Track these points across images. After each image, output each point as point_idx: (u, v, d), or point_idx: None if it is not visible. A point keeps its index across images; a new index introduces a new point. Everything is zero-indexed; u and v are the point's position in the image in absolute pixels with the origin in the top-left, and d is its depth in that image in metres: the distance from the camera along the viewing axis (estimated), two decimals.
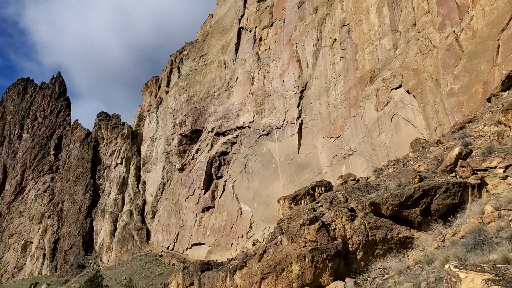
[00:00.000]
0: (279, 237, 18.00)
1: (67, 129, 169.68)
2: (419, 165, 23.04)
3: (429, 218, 15.49)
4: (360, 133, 60.22)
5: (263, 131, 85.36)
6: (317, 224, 15.81)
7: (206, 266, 38.00)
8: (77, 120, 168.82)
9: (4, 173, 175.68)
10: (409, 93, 50.68)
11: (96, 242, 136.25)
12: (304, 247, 15.61)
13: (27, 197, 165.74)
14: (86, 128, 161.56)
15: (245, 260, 32.24)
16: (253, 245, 48.65)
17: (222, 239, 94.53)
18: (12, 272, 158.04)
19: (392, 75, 54.06)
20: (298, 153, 75.20)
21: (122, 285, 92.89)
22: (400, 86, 52.59)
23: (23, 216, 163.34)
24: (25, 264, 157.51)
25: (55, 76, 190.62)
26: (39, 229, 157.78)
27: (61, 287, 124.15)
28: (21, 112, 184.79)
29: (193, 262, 38.00)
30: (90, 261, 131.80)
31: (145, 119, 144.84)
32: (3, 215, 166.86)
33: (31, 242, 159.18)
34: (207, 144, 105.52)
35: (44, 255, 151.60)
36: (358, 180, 28.58)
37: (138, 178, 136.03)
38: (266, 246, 18.04)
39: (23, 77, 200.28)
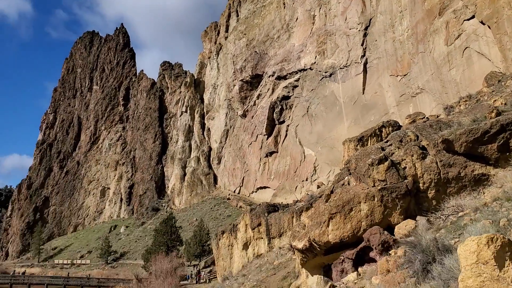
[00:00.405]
0: (347, 177, 17.80)
1: (133, 80, 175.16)
2: (495, 100, 21.61)
3: (507, 154, 14.60)
4: (429, 70, 57.19)
5: (325, 72, 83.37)
6: (386, 163, 15.39)
7: (273, 208, 38.90)
8: (142, 70, 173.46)
9: (79, 124, 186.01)
10: (483, 24, 46.85)
11: (168, 187, 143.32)
12: (372, 186, 15.33)
13: (101, 146, 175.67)
14: (151, 78, 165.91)
15: (311, 201, 32.54)
16: (317, 188, 48.93)
17: (286, 182, 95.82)
18: (94, 216, 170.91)
19: (464, 5, 50.05)
20: (363, 93, 73.08)
21: (194, 226, 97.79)
22: (473, 17, 48.68)
23: (99, 164, 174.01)
24: (104, 208, 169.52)
25: (118, 28, 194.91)
26: (114, 176, 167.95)
27: (139, 229, 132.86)
28: (90, 65, 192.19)
29: (259, 204, 38.99)
30: (163, 204, 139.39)
31: (206, 67, 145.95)
32: (82, 164, 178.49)
33: (109, 188, 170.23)
34: (268, 89, 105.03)
35: (121, 199, 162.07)
36: (427, 119, 27.36)
37: (202, 125, 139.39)
38: (333, 187, 17.92)
39: (88, 31, 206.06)
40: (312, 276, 17.97)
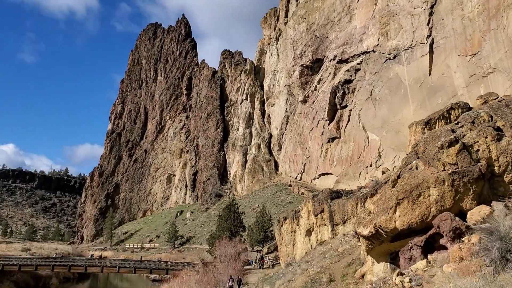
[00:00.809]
0: (414, 161, 17.01)
1: (195, 69, 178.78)
2: None
3: None
4: (502, 48, 53.60)
5: (389, 54, 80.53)
6: (457, 146, 14.51)
7: (336, 194, 38.26)
8: (204, 60, 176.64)
9: (146, 114, 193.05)
10: None
11: (230, 174, 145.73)
12: (442, 170, 14.52)
13: (166, 135, 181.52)
14: (212, 67, 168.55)
15: (376, 187, 31.61)
16: (382, 174, 47.55)
17: (349, 168, 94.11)
18: (161, 202, 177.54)
19: None
20: (429, 75, 69.91)
21: (256, 212, 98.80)
22: None
23: (165, 152, 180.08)
24: (170, 194, 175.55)
25: (180, 19, 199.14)
26: (179, 163, 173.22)
27: (203, 214, 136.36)
28: (154, 56, 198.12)
29: (322, 191, 38.48)
30: (225, 190, 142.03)
31: (265, 53, 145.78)
32: (149, 152, 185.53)
33: (174, 175, 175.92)
34: (329, 73, 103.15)
35: (186, 186, 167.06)
36: (502, 99, 25.60)
37: (263, 112, 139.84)
38: (400, 172, 17.21)
39: (151, 23, 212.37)
40: (378, 263, 17.46)
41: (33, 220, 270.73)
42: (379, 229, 15.39)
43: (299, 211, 37.99)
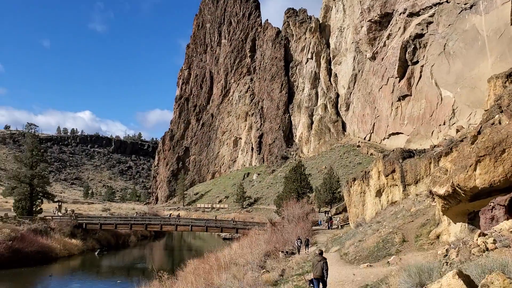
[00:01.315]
0: (497, 116, 15.71)
1: (258, 30, 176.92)
2: None
3: None
4: None
5: (465, 4, 74.78)
6: None
7: (408, 154, 36.86)
8: (267, 20, 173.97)
9: (211, 78, 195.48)
10: None
11: (295, 136, 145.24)
12: None
13: (232, 98, 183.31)
14: (275, 27, 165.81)
15: (451, 146, 30.01)
16: (457, 132, 45.07)
17: (421, 127, 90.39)
18: (228, 164, 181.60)
19: None
20: (511, 24, 64.32)
21: (323, 174, 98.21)
22: None
23: (231, 115, 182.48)
24: (237, 157, 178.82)
25: None
26: (245, 126, 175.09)
27: (269, 176, 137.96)
28: (217, 19, 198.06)
29: (393, 150, 37.22)
30: (291, 152, 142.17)
31: (331, 10, 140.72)
32: (215, 116, 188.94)
33: (240, 138, 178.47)
34: (399, 28, 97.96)
35: (252, 148, 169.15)
36: None
37: (329, 71, 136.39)
38: (481, 127, 15.98)
39: None
40: (455, 223, 16.59)
41: (111, 182, 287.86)
42: (456, 188, 14.50)
43: (369, 171, 37.10)
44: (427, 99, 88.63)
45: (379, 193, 36.33)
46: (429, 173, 33.37)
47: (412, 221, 19.76)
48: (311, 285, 14.16)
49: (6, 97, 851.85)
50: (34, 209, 60.57)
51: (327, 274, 12.91)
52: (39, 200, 62.53)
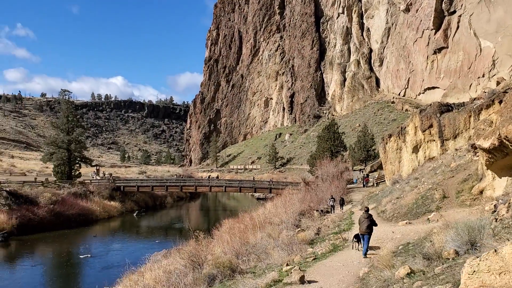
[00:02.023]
0: None
1: None
2: None
3: None
4: None
5: None
6: None
7: (445, 108, 35.38)
8: None
9: (240, 38, 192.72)
10: None
11: (328, 94, 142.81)
12: None
13: (261, 58, 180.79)
14: None
15: (493, 98, 28.50)
16: (497, 84, 42.87)
17: (458, 80, 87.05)
18: (260, 125, 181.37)
19: None
20: None
21: (356, 132, 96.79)
22: None
23: (261, 75, 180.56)
24: (268, 117, 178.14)
25: None
26: (275, 86, 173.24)
27: (302, 136, 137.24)
28: None
29: (430, 104, 35.81)
30: (324, 111, 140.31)
31: None
32: (245, 76, 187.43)
33: (271, 98, 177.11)
34: None
35: (283, 108, 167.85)
36: None
37: (361, 26, 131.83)
38: None
39: None
40: (500, 178, 15.77)
41: (146, 146, 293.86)
42: (504, 141, 13.63)
43: (405, 127, 36.00)
44: (465, 51, 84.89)
45: (415, 149, 35.32)
46: (469, 127, 32.04)
47: (453, 176, 18.98)
48: (355, 239, 14.44)
49: (40, 65, 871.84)
50: (73, 173, 62.30)
51: (371, 230, 13.18)
52: (77, 165, 64.19)
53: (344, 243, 14.53)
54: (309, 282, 9.71)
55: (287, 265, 11.86)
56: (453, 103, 37.46)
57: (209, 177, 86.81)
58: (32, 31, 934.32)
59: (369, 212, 13.92)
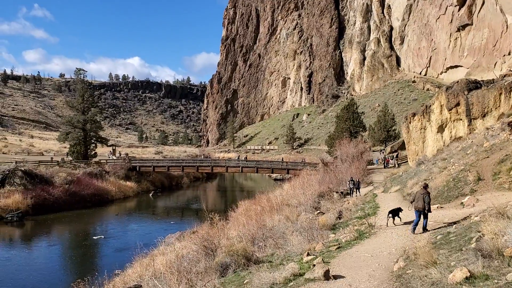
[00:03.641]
0: None
1: None
2: None
3: None
4: None
5: None
6: None
7: (474, 85, 33.44)
8: None
9: (257, 16, 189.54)
10: None
11: (347, 73, 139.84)
12: None
13: (279, 37, 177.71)
14: None
15: None
16: None
17: (483, 59, 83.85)
18: (277, 105, 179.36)
19: None
20: None
21: (376, 112, 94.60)
22: None
23: (278, 55, 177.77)
24: (286, 97, 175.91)
25: None
26: (293, 65, 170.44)
27: (320, 116, 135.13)
28: None
29: (457, 81, 33.89)
30: (343, 91, 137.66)
31: None
32: (262, 56, 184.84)
33: (289, 78, 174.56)
34: None
35: (301, 88, 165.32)
36: None
37: (381, 3, 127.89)
38: None
39: None
40: None
41: (163, 127, 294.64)
42: None
43: (430, 105, 34.24)
44: (490, 28, 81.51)
45: (441, 129, 33.64)
46: (499, 105, 30.21)
47: (488, 157, 17.48)
48: (390, 215, 14.34)
49: (58, 46, 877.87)
50: (88, 153, 62.06)
51: (429, 207, 12.89)
52: (93, 145, 63.91)
53: (371, 230, 13.26)
54: (335, 277, 8.46)
55: (308, 254, 10.69)
56: (482, 80, 35.50)
57: (238, 157, 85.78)
58: (49, 12, 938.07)
59: (427, 189, 13.54)
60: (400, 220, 14.31)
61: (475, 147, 20.87)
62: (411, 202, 13.43)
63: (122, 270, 20.07)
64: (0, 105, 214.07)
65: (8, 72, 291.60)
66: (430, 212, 12.93)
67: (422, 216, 12.83)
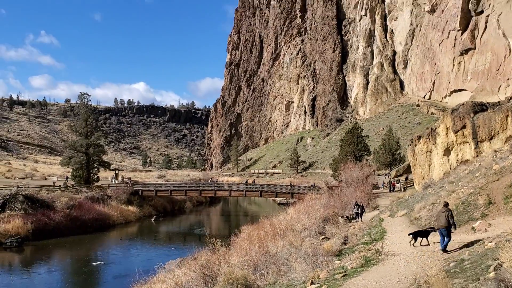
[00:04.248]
0: None
1: None
2: None
3: None
4: None
5: None
6: None
7: (479, 107, 33.02)
8: None
9: (261, 42, 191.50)
10: None
11: (350, 97, 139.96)
12: None
13: (282, 62, 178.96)
14: None
15: None
16: None
17: (486, 82, 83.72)
18: (281, 129, 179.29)
19: None
20: None
21: (380, 135, 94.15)
22: None
23: (282, 79, 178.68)
24: (290, 121, 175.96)
25: None
26: (297, 90, 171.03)
27: (324, 140, 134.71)
28: None
29: (463, 104, 33.47)
30: (346, 115, 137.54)
31: None
32: (266, 80, 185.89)
33: (292, 102, 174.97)
34: None
35: (305, 112, 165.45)
36: None
37: (384, 28, 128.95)
38: None
39: None
40: None
41: (168, 150, 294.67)
42: None
43: (435, 128, 33.77)
44: (493, 52, 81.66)
45: (447, 152, 33.08)
46: (506, 128, 29.70)
47: (498, 179, 16.92)
48: (412, 236, 14.21)
49: (64, 72, 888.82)
50: (91, 177, 61.59)
51: (454, 224, 12.69)
52: (96, 169, 63.49)
53: (378, 256, 12.62)
54: None
55: (312, 283, 10.08)
56: (488, 102, 35.09)
57: (246, 181, 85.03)
58: (55, 38, 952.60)
59: (448, 207, 13.33)
60: (428, 244, 13.82)
61: (484, 169, 20.30)
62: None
63: None
64: (5, 130, 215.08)
65: (15, 97, 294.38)
66: (456, 229, 12.63)
67: (444, 235, 12.52)
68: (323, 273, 11.47)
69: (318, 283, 10.13)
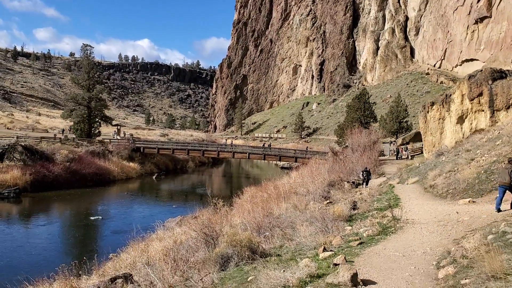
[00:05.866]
0: None
1: None
2: None
3: None
4: None
5: None
6: None
7: (499, 74, 31.49)
8: None
9: (270, 1, 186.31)
10: None
11: (359, 63, 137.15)
12: None
13: (292, 22, 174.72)
14: None
15: None
16: None
17: (499, 53, 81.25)
18: (287, 93, 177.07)
19: None
20: None
21: (388, 103, 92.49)
22: None
23: (290, 41, 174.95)
24: (296, 85, 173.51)
25: None
26: (305, 53, 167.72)
27: (330, 105, 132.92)
28: None
29: (481, 70, 31.93)
30: (354, 80, 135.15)
31: None
32: (274, 41, 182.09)
33: (300, 65, 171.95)
34: None
35: (312, 76, 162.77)
36: None
37: None
38: None
39: None
40: None
41: (171, 110, 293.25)
42: None
43: (450, 95, 32.32)
44: (509, 21, 78.91)
45: (460, 120, 31.78)
46: None
47: None
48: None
49: (69, 26, 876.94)
50: (92, 131, 60.67)
51: None
52: (97, 123, 62.48)
53: (396, 224, 11.60)
54: (364, 283, 6.80)
55: (325, 249, 9.12)
56: (507, 70, 33.50)
57: (263, 145, 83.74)
58: None
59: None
60: None
61: (505, 137, 19.11)
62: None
63: (116, 255, 18.63)
64: (9, 81, 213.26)
65: (19, 49, 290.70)
66: None
67: (509, 192, 11.89)
68: (336, 239, 10.48)
69: (331, 250, 9.16)
